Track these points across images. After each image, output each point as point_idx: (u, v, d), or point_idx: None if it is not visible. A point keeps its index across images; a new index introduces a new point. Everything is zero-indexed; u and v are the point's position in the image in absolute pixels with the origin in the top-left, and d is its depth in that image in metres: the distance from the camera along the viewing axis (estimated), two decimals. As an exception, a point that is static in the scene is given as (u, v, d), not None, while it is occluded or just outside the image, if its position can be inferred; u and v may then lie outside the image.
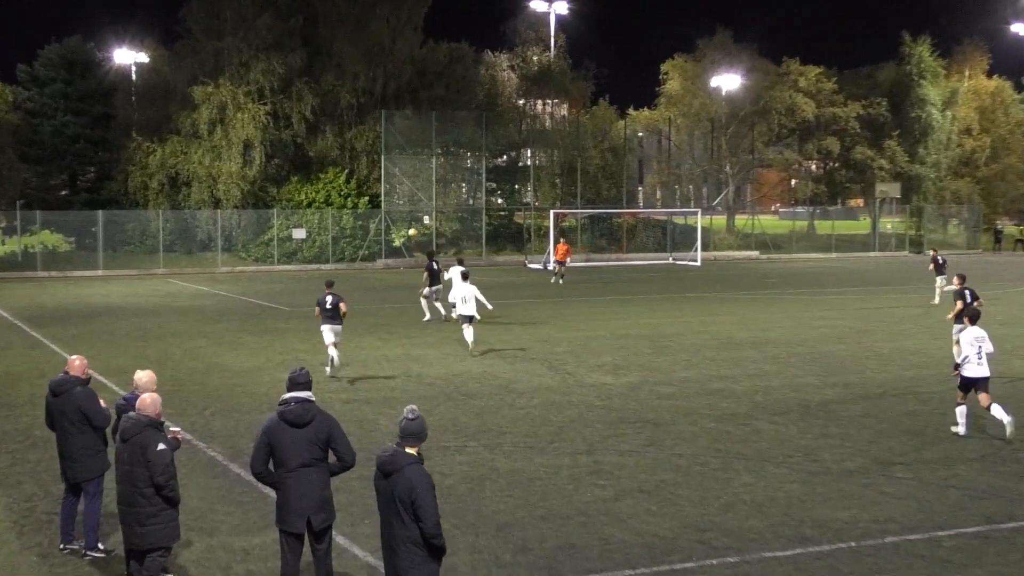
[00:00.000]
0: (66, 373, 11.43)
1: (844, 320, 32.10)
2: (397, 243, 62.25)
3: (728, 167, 77.58)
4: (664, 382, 21.22)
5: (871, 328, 29.82)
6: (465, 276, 26.29)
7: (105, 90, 64.09)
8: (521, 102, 73.84)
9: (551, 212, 62.73)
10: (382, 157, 62.11)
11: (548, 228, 62.16)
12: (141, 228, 59.52)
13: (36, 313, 35.52)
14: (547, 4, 74.13)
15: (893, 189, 75.48)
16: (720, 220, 77.95)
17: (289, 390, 9.36)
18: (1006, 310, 34.16)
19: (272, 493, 9.72)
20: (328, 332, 21.89)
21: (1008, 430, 15.93)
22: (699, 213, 67.34)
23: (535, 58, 74.01)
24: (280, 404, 9.33)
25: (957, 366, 16.44)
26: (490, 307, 26.67)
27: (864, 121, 76.87)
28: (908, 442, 15.99)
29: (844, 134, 76.81)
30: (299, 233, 60.44)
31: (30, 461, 15.12)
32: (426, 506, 7.84)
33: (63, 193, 64.51)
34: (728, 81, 75.20)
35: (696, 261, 62.52)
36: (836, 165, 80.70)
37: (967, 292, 23.02)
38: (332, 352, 21.85)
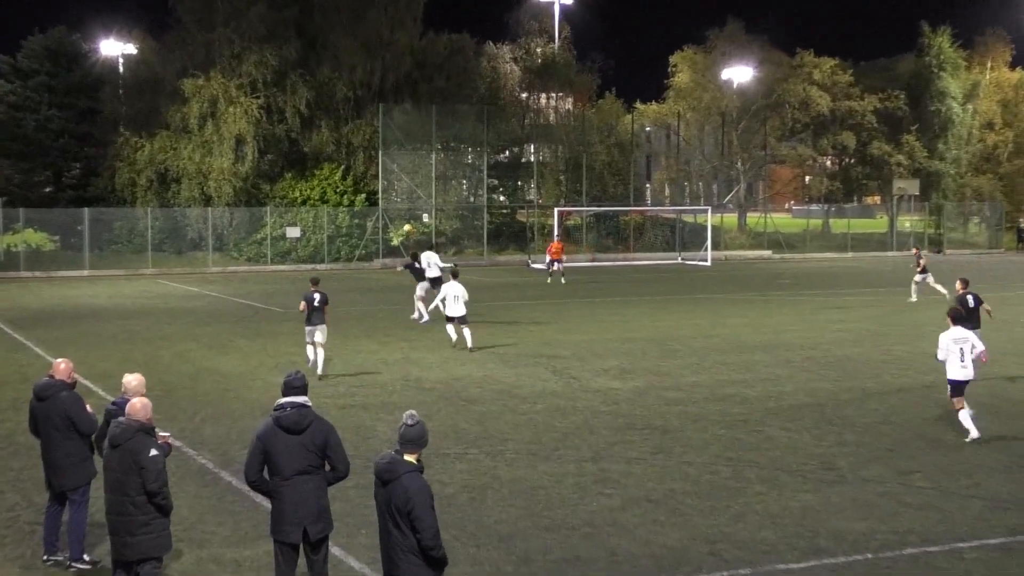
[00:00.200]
0: (51, 377, 11.40)
1: (860, 322, 32.08)
2: (395, 242, 62.22)
3: (739, 163, 77.60)
4: (673, 387, 21.21)
5: (889, 331, 29.80)
6: (455, 274, 26.94)
7: (91, 83, 64.13)
8: (524, 96, 73.88)
9: (555, 210, 62.79)
10: (380, 153, 62.15)
11: (552, 227, 62.19)
12: (129, 227, 59.55)
13: (19, 315, 35.54)
14: (551, -7, 74.19)
15: (911, 186, 75.45)
16: (731, 218, 77.97)
17: (284, 395, 9.35)
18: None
19: (266, 502, 9.72)
20: (315, 332, 22.46)
21: (973, 432, 16.42)
22: (709, 211, 67.39)
23: (539, 50, 74.05)
24: (275, 409, 9.32)
25: (940, 361, 16.83)
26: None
27: (881, 115, 76.87)
28: (928, 450, 15.98)
29: (860, 129, 76.81)
30: (293, 232, 60.47)
31: (12, 469, 15.12)
32: (424, 516, 7.83)
33: (47, 190, 64.51)
34: (739, 73, 75.25)
35: (706, 261, 62.51)
36: (852, 161, 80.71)
37: (969, 297, 22.44)
38: (317, 352, 22.48)
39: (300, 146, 62.76)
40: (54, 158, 63.01)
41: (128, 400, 10.12)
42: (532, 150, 73.37)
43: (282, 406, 9.29)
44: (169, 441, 10.05)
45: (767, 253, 71.65)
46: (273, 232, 60.15)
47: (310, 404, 9.38)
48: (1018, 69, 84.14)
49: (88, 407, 11.38)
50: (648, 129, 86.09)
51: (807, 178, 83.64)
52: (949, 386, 16.66)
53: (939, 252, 76.00)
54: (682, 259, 66.02)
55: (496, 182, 71.26)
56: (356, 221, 61.88)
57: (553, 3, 74.26)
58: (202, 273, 56.01)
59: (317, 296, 22.54)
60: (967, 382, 16.57)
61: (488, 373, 22.93)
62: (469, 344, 25.71)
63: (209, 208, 59.44)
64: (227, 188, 59.39)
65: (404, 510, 7.84)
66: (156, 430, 9.74)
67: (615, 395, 20.33)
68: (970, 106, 79.19)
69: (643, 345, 27.18)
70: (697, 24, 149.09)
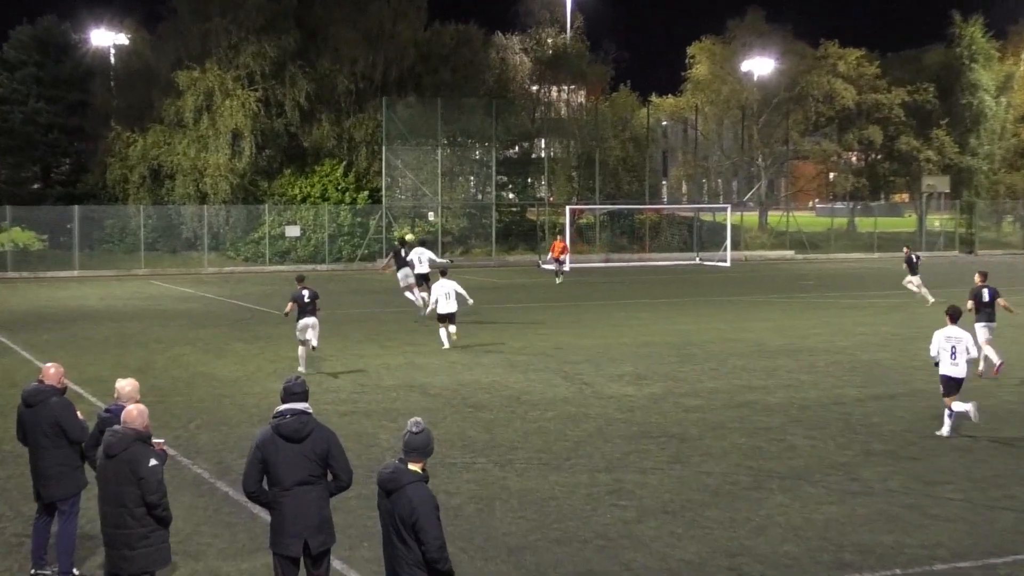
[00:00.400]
0: (40, 382, 11.40)
1: (888, 326, 32.05)
2: (401, 236, 62.18)
3: (760, 159, 77.53)
4: (690, 393, 21.22)
5: (917, 334, 29.66)
6: (444, 272, 28.31)
7: (81, 75, 64.32)
8: (534, 88, 73.91)
9: (567, 208, 62.81)
10: (383, 148, 62.20)
11: (564, 225, 62.22)
12: (120, 225, 59.67)
13: (6, 318, 35.63)
14: (563, -19, 74.24)
15: (941, 183, 75.29)
16: (751, 217, 77.90)
17: (284, 401, 9.35)
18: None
19: (264, 513, 9.73)
20: (307, 329, 23.37)
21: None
22: (728, 209, 67.33)
23: (550, 40, 74.08)
24: (274, 417, 9.32)
25: (934, 361, 17.63)
26: (470, 301, 28.27)
27: (910, 108, 76.73)
28: (958, 459, 15.95)
29: (888, 123, 76.68)
30: (293, 231, 60.54)
31: None
32: (429, 528, 7.85)
33: (35, 187, 64.77)
34: (760, 65, 75.16)
35: (725, 261, 62.46)
36: (879, 157, 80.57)
37: (985, 290, 23.42)
38: (305, 349, 23.52)
39: (300, 141, 62.84)
40: (42, 153, 63.24)
41: (122, 406, 10.13)
42: (543, 145, 73.41)
43: (282, 413, 9.29)
44: (164, 448, 10.05)
45: (789, 253, 71.57)
46: (271, 231, 60.23)
47: (311, 411, 9.37)
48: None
49: (79, 414, 11.39)
50: (664, 123, 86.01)
51: (831, 175, 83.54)
52: (941, 383, 17.47)
53: (971, 253, 75.87)
54: (700, 260, 65.99)
55: (505, 179, 71.29)
56: (358, 219, 61.93)
57: (565, -9, 74.34)
58: (197, 274, 56.10)
59: (306, 292, 23.39)
60: (958, 380, 17.29)
61: (497, 378, 22.94)
62: (447, 344, 26.88)
63: (205, 206, 59.55)
64: (223, 185, 59.47)
65: (409, 521, 7.85)
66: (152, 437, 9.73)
67: (630, 402, 20.33)
68: (1003, 99, 79.01)
69: (659, 349, 27.17)
70: (716, 13, 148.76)
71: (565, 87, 74.56)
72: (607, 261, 64.17)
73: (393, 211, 63.49)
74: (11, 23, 65.77)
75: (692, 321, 33.69)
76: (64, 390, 11.54)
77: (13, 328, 32.45)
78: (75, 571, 11.19)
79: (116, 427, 9.43)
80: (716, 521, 12.96)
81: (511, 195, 72.26)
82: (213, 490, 14.48)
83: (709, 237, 70.22)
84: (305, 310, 23.34)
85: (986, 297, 23.40)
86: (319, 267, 58.56)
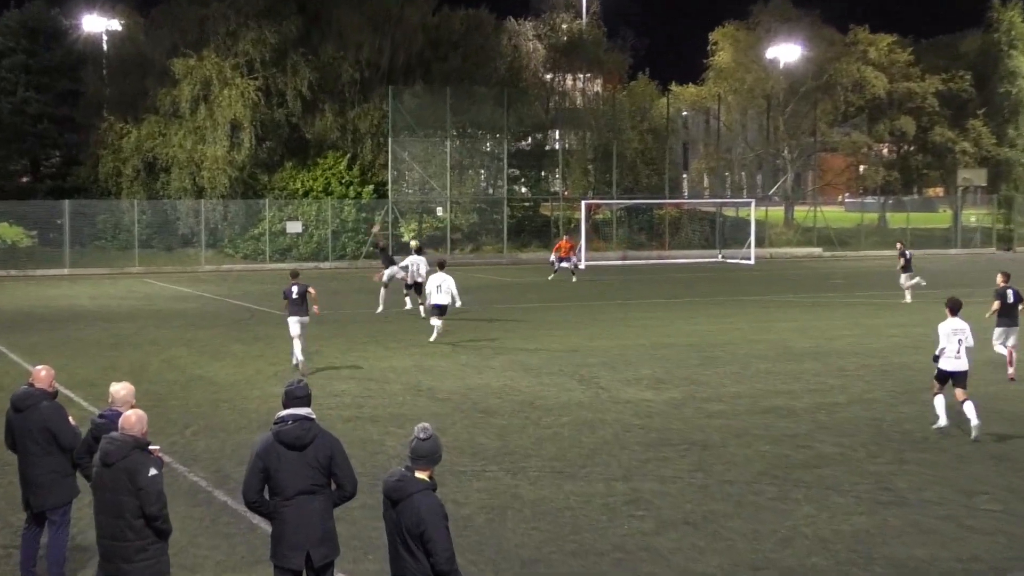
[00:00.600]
0: (30, 385, 11.38)
1: (921, 327, 31.89)
2: (407, 238, 62.30)
3: (786, 151, 77.41)
4: (712, 398, 21.21)
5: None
6: (442, 265, 29.67)
7: (72, 63, 64.37)
8: (549, 77, 73.89)
9: (582, 203, 62.85)
10: (389, 140, 62.29)
11: (579, 221, 62.23)
12: (113, 220, 59.83)
13: (-6, 317, 35.77)
14: (579, -37, 74.27)
15: (978, 176, 75.13)
16: (777, 212, 77.81)
17: (285, 406, 9.34)
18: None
19: (264, 524, 9.75)
20: (295, 324, 24.08)
21: (974, 433, 17.41)
22: (753, 204, 67.30)
23: (565, 26, 74.09)
24: (275, 423, 9.31)
25: (936, 358, 18.00)
26: (458, 303, 29.28)
27: (944, 98, 76.56)
28: (995, 468, 15.93)
29: (921, 113, 76.54)
30: (294, 227, 60.63)
31: (-12, 486, 15.21)
32: (438, 539, 7.85)
33: (24, 180, 64.89)
34: (787, 52, 75.05)
35: (749, 259, 62.43)
36: (911, 149, 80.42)
37: (1009, 291, 23.93)
38: (298, 347, 24.15)
39: (302, 132, 62.95)
40: (31, 145, 63.27)
41: (116, 411, 10.13)
42: (557, 137, 73.42)
43: (283, 419, 9.28)
44: (160, 454, 10.04)
45: (817, 251, 71.49)
46: (272, 227, 60.34)
47: (313, 416, 9.36)
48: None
49: (71, 419, 11.40)
50: (685, 114, 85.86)
51: (861, 168, 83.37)
52: (938, 373, 18.00)
53: (1009, 250, 75.68)
54: (722, 257, 65.95)
55: (517, 172, 71.31)
56: (363, 215, 62.01)
57: (581, -26, 74.38)
58: (194, 272, 56.22)
59: (295, 288, 24.20)
60: (958, 373, 17.74)
61: (508, 382, 22.96)
62: (432, 337, 28.23)
63: (202, 200, 59.66)
64: (222, 178, 59.56)
65: (416, 532, 7.86)
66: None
67: (648, 407, 20.33)
68: (1044, 88, 78.82)
69: (679, 352, 27.17)
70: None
71: (581, 75, 74.53)
72: (624, 259, 64.15)
73: (400, 206, 63.55)
74: (-2, 9, 65.63)
75: (714, 322, 33.67)
76: (55, 394, 11.53)
77: (0, 329, 32.54)
78: (66, 584, 11.21)
79: (114, 434, 9.36)
80: (739, 533, 12.95)
81: (524, 189, 72.30)
82: (211, 499, 14.51)
83: (732, 233, 70.18)
84: (293, 306, 24.19)
85: (1011, 299, 23.90)
86: (322, 265, 58.65)
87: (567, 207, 68.37)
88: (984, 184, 76.17)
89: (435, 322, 28.82)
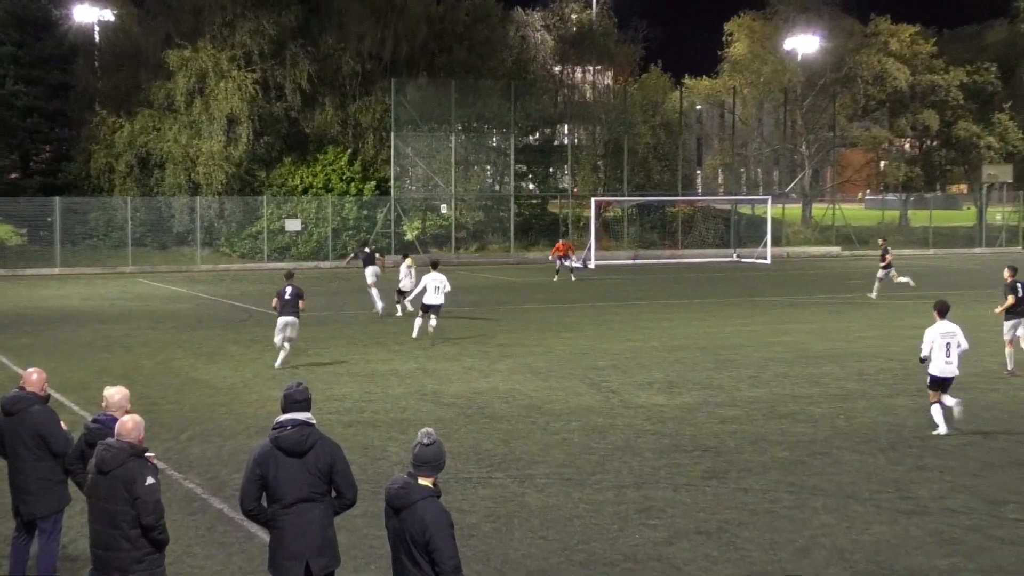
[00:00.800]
0: (21, 389, 11.40)
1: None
2: (410, 236, 62.39)
3: (804, 146, 77.38)
4: (727, 403, 21.21)
5: (977, 339, 29.50)
6: (435, 264, 30.33)
7: (63, 54, 64.39)
8: (557, 69, 73.93)
9: (592, 200, 62.79)
10: (392, 134, 62.33)
11: (589, 219, 62.21)
12: (106, 218, 59.91)
13: (-18, 318, 35.83)
14: (588, -48, 74.29)
15: (1004, 172, 75.03)
16: (794, 210, 77.73)
17: (284, 410, 9.34)
18: None
19: (262, 532, 9.76)
20: (285, 325, 25.03)
21: (956, 411, 18.22)
22: (769, 201, 67.23)
23: (574, 16, 74.13)
24: (274, 428, 9.31)
25: (923, 360, 18.37)
26: (447, 289, 30.03)
27: (969, 91, 76.50)
28: (1021, 476, 15.92)
29: (945, 106, 76.46)
30: (293, 224, 60.68)
31: (-24, 493, 15.24)
32: (443, 547, 7.86)
33: (13, 176, 64.86)
34: (805, 43, 74.99)
35: (765, 259, 62.38)
36: (934, 144, 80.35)
37: (1019, 285, 24.39)
38: (284, 345, 25.12)
39: (301, 127, 63.01)
40: (21, 139, 63.33)
41: (110, 416, 10.15)
42: (566, 131, 73.43)
43: (281, 424, 9.28)
44: (154, 461, 10.04)
45: (835, 250, 71.43)
46: (270, 225, 60.40)
47: (313, 421, 9.36)
48: None
49: (62, 424, 11.42)
50: (699, 107, 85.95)
51: (882, 164, 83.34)
52: (930, 380, 18.27)
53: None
54: (737, 256, 65.93)
55: (525, 168, 71.33)
56: (365, 212, 62.06)
57: (591, -38, 74.40)
58: (189, 271, 56.29)
59: (289, 289, 25.05)
60: (950, 379, 18.13)
61: (515, 386, 22.97)
62: (415, 334, 29.20)
63: (197, 197, 59.72)
64: (218, 175, 59.63)
65: (421, 541, 7.87)
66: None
67: (661, 412, 20.33)
68: (1073, 80, 78.76)
69: (693, 354, 27.17)
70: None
71: (590, 68, 74.59)
72: (636, 258, 64.15)
73: (402, 203, 63.58)
74: (-14, -2, 65.63)
75: (729, 324, 33.66)
76: (47, 398, 11.53)
77: (-11, 330, 32.62)
78: (57, 594, 11.23)
79: (110, 440, 9.33)
80: (755, 543, 12.96)
81: (531, 186, 72.31)
82: (206, 507, 14.52)
83: (748, 232, 70.13)
84: (286, 308, 25.00)
85: (1021, 292, 24.44)
86: (322, 264, 58.68)
87: (576, 204, 68.37)
88: (1010, 180, 76.04)
89: (432, 322, 29.17)
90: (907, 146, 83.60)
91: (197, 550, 12.78)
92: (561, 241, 54.17)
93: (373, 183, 62.63)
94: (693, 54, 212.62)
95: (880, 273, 41.12)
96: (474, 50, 67.23)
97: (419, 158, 64.22)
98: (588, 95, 74.14)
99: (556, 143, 73.79)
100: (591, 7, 74.72)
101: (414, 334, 29.34)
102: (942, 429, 18.07)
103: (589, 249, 59.14)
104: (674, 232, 70.51)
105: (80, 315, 36.74)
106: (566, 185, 70.98)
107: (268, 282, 48.89)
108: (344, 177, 61.96)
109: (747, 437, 18.28)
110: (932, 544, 12.91)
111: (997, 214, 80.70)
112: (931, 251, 72.55)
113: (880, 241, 43.50)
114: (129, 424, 9.35)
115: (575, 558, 12.46)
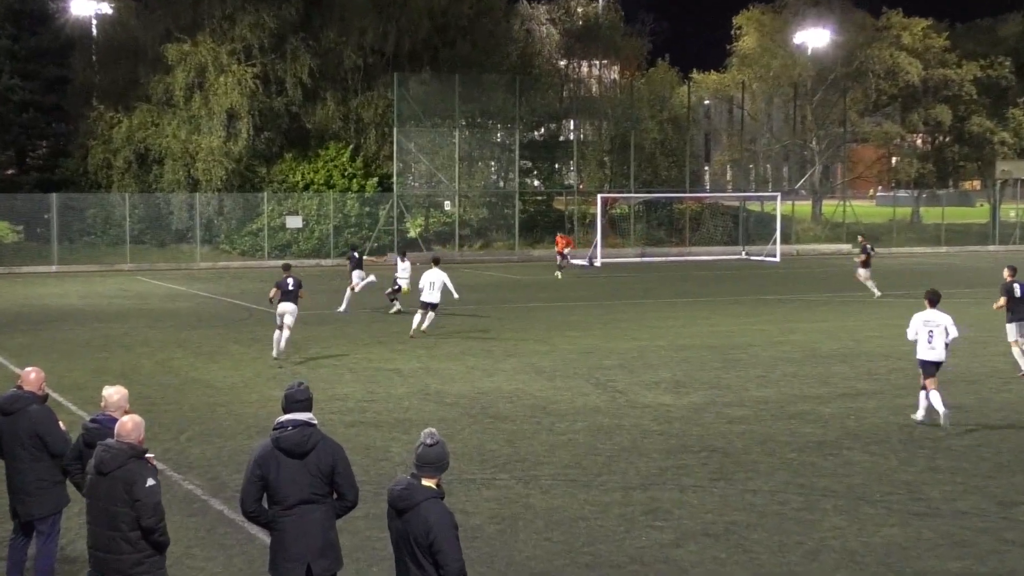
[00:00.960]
0: (19, 388, 11.40)
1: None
2: (412, 233, 62.40)
3: (814, 142, 77.34)
4: (735, 403, 21.23)
5: (988, 338, 29.60)
6: (436, 261, 31.22)
7: (60, 48, 64.39)
8: (563, 63, 73.89)
9: (598, 196, 62.78)
10: (394, 130, 62.32)
11: (595, 216, 62.20)
12: (104, 215, 59.93)
13: (-22, 317, 35.87)
14: (594, -56, 74.24)
15: (1018, 168, 75.00)
16: (804, 207, 77.71)
17: (285, 410, 9.35)
18: None
19: (263, 534, 9.77)
20: (285, 312, 26.14)
21: (943, 421, 18.72)
22: (778, 198, 67.21)
23: (580, 10, 74.10)
24: (274, 428, 9.32)
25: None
26: (456, 296, 31.10)
27: (982, 85, 76.42)
28: (1034, 478, 15.95)
29: (958, 101, 76.40)
30: (294, 221, 60.71)
31: (-28, 494, 15.27)
32: (447, 549, 7.88)
33: (9, 172, 64.95)
34: (815, 37, 74.96)
35: (774, 256, 62.37)
36: (947, 139, 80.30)
37: (1016, 286, 24.36)
38: (283, 333, 26.08)
39: (302, 122, 63.01)
40: (17, 135, 63.35)
41: (109, 416, 10.16)
42: (572, 127, 73.42)
43: (282, 424, 9.29)
44: (153, 462, 10.05)
45: (846, 247, 71.27)
46: (271, 222, 60.42)
47: (315, 422, 9.37)
48: None
49: (61, 424, 11.44)
50: (707, 102, 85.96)
51: (894, 159, 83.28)
52: (919, 367, 19.17)
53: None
54: (746, 254, 65.91)
55: (529, 164, 71.34)
56: (367, 209, 62.08)
57: (597, -46, 74.36)
58: (188, 269, 56.33)
59: (291, 280, 26.41)
60: (936, 363, 18.96)
61: (520, 386, 22.99)
62: (412, 328, 29.75)
63: (196, 194, 59.74)
64: (217, 171, 59.64)
65: (424, 542, 7.89)
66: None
67: (668, 412, 20.35)
68: (1089, 75, 78.67)
69: (700, 354, 27.18)
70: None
71: (597, 62, 74.54)
72: (643, 255, 64.17)
73: (405, 200, 63.59)
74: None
75: (737, 322, 33.67)
76: (45, 398, 11.51)
77: (-14, 329, 32.66)
78: (55, 597, 11.25)
79: (109, 441, 9.33)
80: (763, 545, 12.97)
81: (536, 182, 72.32)
82: (206, 509, 14.55)
83: (756, 229, 70.10)
84: (287, 296, 26.28)
85: (1018, 293, 24.34)
86: (323, 262, 58.69)
87: (582, 201, 68.34)
88: (1024, 177, 76.06)
89: (429, 315, 29.95)
90: (919, 142, 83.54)
91: (197, 552, 12.80)
92: (559, 235, 54.14)
93: (375, 179, 62.63)
94: (701, 48, 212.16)
95: (861, 272, 41.34)
96: (478, 44, 67.19)
97: (422, 154, 64.22)
98: (594, 90, 74.12)
99: (561, 139, 73.80)
100: (597, 0, 74.67)
101: (412, 328, 29.79)
102: (919, 414, 19.19)
103: (595, 247, 59.13)
104: (682, 229, 70.49)
105: (78, 313, 36.78)
106: (572, 181, 70.97)
107: (268, 280, 48.82)
108: (346, 173, 61.98)
109: (755, 438, 18.30)
110: (944, 547, 12.92)
111: (1011, 211, 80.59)
112: (943, 249, 72.49)
113: (859, 238, 43.61)
114: (129, 425, 9.34)
115: (580, 560, 12.48)
